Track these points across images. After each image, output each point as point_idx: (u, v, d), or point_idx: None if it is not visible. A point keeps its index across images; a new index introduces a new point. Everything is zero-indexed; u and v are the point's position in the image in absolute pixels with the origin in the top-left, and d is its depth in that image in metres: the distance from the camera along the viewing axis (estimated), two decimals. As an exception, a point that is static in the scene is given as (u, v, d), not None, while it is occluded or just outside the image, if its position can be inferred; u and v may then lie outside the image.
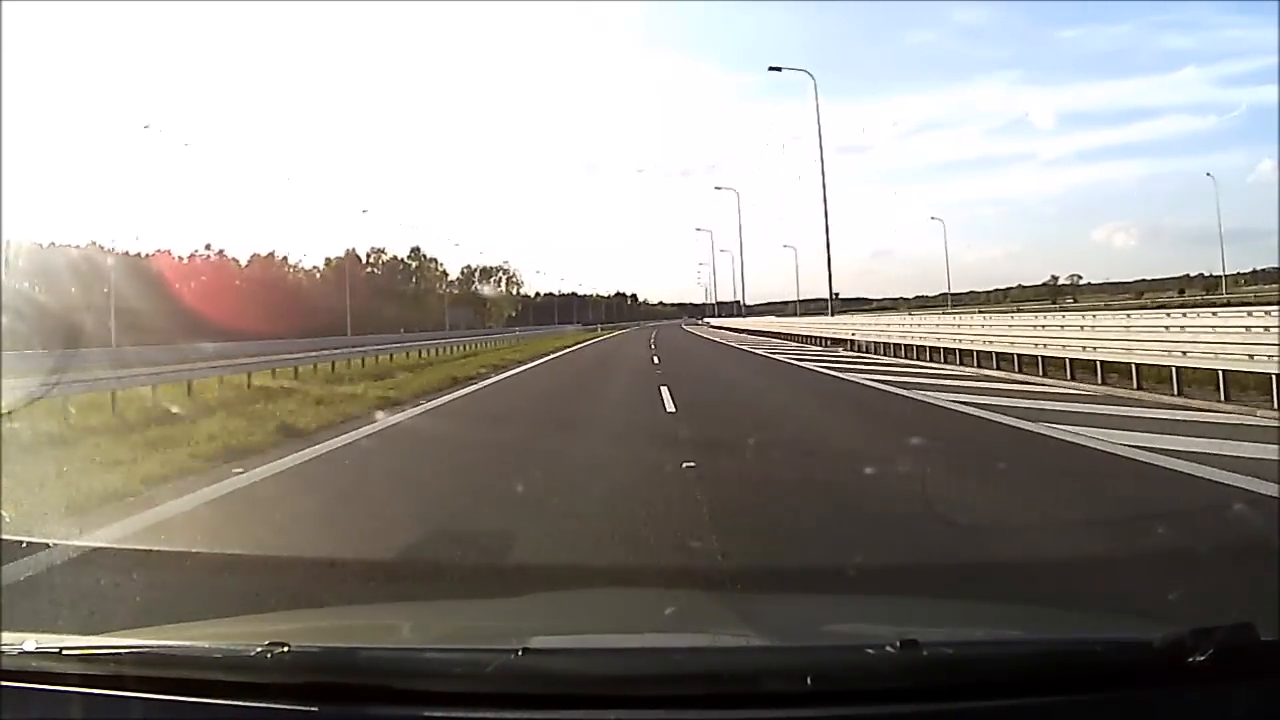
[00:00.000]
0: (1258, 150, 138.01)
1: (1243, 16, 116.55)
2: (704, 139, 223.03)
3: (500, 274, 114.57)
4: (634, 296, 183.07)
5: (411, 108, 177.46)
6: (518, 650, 1.56)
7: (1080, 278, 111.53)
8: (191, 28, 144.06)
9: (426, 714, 1.49)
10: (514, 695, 1.51)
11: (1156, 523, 4.88)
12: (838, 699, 1.46)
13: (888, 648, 1.51)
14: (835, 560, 4.34)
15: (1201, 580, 3.65)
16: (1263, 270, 77.39)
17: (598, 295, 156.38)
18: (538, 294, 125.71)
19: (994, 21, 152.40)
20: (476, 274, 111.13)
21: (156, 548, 4.88)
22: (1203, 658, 1.42)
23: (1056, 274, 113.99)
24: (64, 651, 1.65)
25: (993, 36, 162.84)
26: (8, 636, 1.72)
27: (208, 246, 76.76)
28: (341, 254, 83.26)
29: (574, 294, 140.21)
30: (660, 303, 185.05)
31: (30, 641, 1.71)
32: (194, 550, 4.84)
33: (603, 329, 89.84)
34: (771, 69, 34.74)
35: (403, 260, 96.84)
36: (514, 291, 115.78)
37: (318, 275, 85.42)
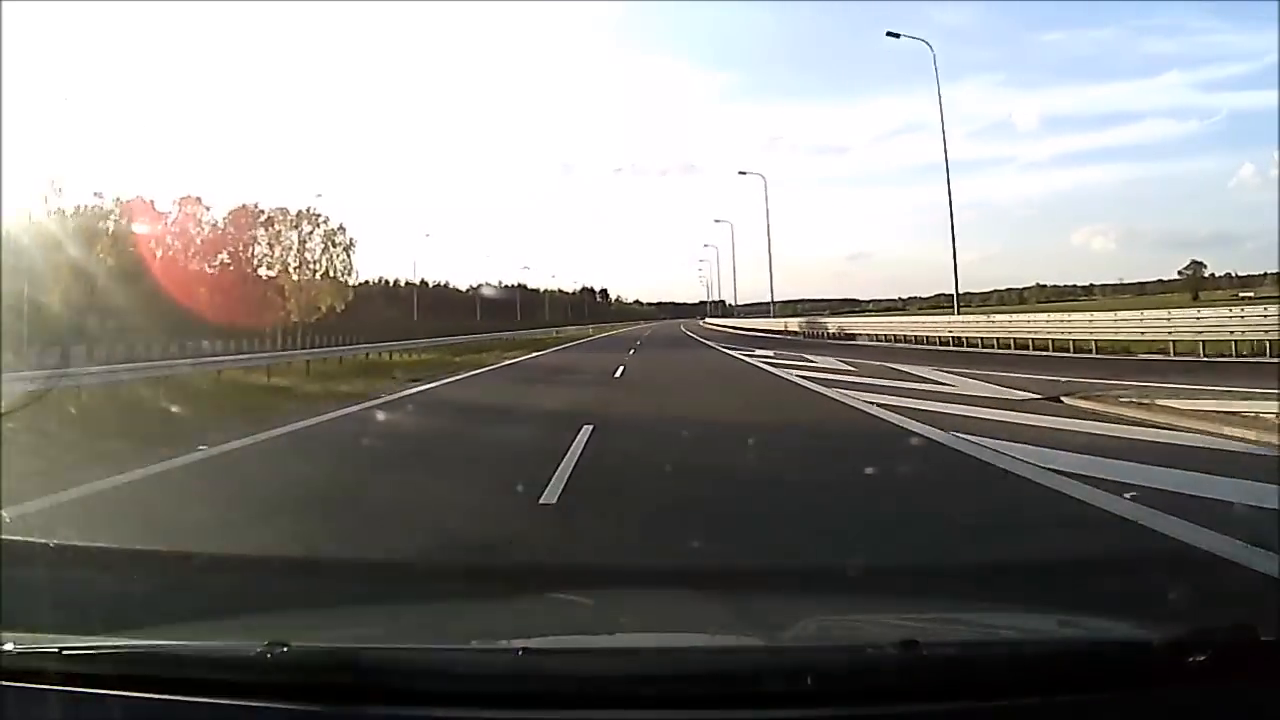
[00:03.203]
0: (1238, 155, 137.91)
1: (1226, 21, 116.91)
2: (682, 139, 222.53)
3: (312, 227, 51.55)
4: (604, 293, 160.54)
5: (385, 108, 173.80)
6: (518, 650, 1.57)
7: (1204, 266, 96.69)
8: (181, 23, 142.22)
9: (426, 714, 1.49)
10: (514, 695, 1.51)
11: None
12: (838, 699, 1.46)
13: (888, 648, 1.51)
14: (836, 560, 4.34)
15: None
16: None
17: (558, 290, 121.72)
18: (479, 286, 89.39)
19: (977, 24, 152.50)
20: (256, 224, 50.12)
21: (156, 548, 4.88)
22: (1203, 658, 1.42)
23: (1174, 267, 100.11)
24: (63, 651, 1.64)
25: (976, 39, 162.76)
26: (6, 636, 1.71)
27: None
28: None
29: (521, 286, 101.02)
30: (637, 301, 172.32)
31: (29, 641, 1.71)
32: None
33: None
34: (889, 34, 31.25)
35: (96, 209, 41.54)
36: (342, 263, 52.78)
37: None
